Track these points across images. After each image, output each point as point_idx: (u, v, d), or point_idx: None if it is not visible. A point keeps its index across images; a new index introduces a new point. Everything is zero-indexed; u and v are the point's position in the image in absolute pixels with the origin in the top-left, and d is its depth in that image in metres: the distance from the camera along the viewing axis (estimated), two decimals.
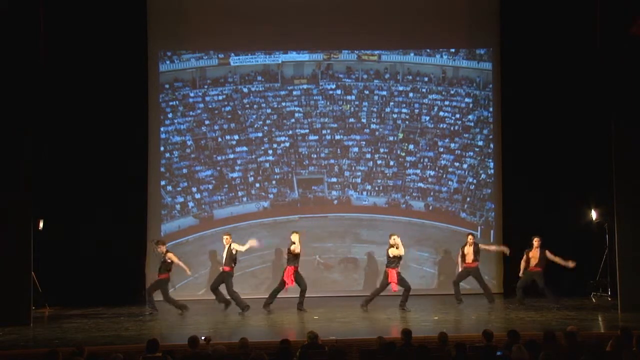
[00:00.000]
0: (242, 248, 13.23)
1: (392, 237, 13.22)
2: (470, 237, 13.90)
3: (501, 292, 15.15)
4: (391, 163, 15.59)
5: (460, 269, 13.94)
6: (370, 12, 15.41)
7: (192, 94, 15.49)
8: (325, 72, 15.62)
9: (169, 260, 13.15)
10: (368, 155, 15.59)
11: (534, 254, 13.37)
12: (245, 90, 15.54)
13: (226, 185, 15.41)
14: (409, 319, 12.27)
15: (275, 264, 15.08)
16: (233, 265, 13.20)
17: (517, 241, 14.16)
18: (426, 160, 15.61)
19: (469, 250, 13.78)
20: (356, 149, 15.58)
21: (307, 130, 15.55)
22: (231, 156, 15.45)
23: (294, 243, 13.15)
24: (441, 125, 15.65)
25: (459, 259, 13.92)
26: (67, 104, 14.58)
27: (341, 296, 14.92)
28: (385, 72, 15.66)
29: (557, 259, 13.23)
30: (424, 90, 15.68)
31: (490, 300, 13.73)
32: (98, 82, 14.63)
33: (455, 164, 15.62)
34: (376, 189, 15.57)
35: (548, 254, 13.28)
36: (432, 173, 15.60)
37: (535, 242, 13.40)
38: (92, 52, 14.63)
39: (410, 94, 15.66)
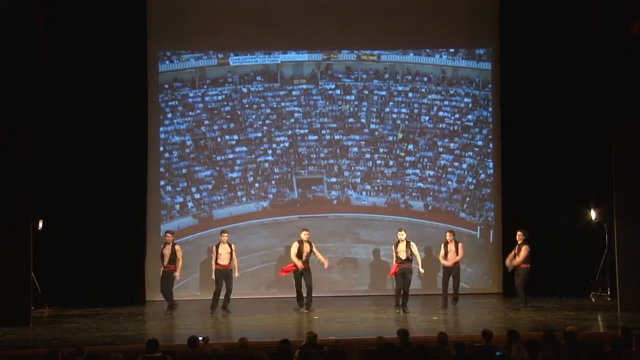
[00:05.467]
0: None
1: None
2: (449, 234, 13.83)
3: (501, 292, 15.14)
4: (390, 163, 15.59)
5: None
6: (370, 12, 15.39)
7: (191, 94, 15.48)
8: (324, 72, 15.61)
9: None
10: (367, 155, 15.58)
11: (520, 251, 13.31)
12: (245, 90, 15.53)
13: (225, 185, 15.41)
14: (409, 319, 12.27)
15: (275, 264, 15.07)
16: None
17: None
18: (425, 160, 15.61)
19: (450, 247, 13.68)
20: (355, 149, 15.58)
21: (306, 130, 15.54)
22: (230, 156, 15.45)
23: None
24: (440, 125, 15.65)
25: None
26: (66, 104, 14.57)
27: (341, 296, 14.93)
28: (385, 72, 15.65)
29: (521, 256, 13.10)
30: (423, 90, 15.68)
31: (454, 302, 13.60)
32: (98, 82, 14.61)
33: (454, 163, 15.61)
34: (375, 189, 15.57)
35: (524, 249, 13.16)
36: (431, 173, 15.60)
37: (519, 237, 13.29)
38: (92, 52, 14.63)
39: (410, 94, 15.66)
